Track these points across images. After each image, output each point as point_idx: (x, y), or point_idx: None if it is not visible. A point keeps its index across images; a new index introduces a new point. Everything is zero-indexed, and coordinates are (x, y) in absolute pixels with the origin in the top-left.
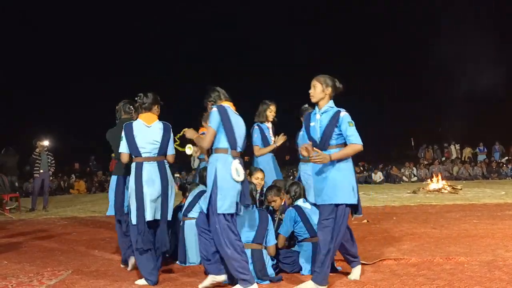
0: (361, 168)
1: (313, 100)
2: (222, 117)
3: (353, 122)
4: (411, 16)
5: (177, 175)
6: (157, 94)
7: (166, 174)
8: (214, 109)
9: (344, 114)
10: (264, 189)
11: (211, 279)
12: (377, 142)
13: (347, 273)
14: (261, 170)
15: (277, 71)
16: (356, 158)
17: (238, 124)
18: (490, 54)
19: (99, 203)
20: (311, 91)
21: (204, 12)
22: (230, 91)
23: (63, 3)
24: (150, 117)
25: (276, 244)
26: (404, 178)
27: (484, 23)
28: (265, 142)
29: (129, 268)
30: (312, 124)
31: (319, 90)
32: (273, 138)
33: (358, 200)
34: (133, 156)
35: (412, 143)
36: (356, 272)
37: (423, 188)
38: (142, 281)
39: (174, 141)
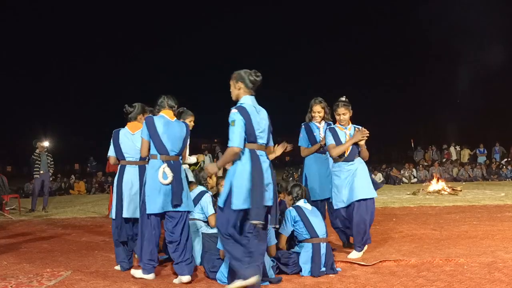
0: None
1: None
2: (148, 128)
3: (235, 121)
4: (412, 17)
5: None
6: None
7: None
8: (144, 121)
9: (231, 111)
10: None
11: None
12: (377, 143)
13: (347, 274)
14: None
15: None
16: None
17: (173, 129)
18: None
19: (98, 204)
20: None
21: None
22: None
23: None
24: (135, 125)
25: (277, 245)
26: (404, 179)
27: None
28: (312, 141)
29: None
30: None
31: (231, 87)
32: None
33: None
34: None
35: (412, 144)
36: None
37: (423, 190)
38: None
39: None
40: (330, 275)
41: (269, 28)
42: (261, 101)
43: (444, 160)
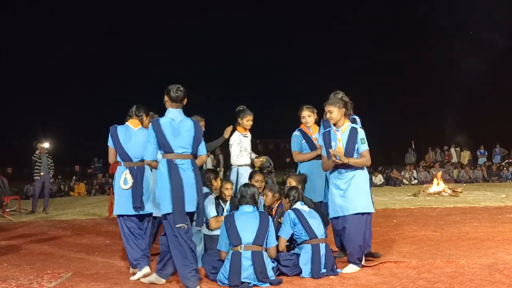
0: None
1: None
2: (111, 137)
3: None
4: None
5: None
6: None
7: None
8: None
9: None
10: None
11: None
12: (377, 145)
13: (348, 276)
14: (260, 173)
15: None
16: None
17: (136, 137)
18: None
19: (99, 205)
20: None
21: None
22: None
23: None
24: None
25: (277, 247)
26: (404, 181)
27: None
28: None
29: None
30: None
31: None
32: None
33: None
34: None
35: (413, 145)
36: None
37: (423, 191)
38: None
39: None
40: (331, 276)
41: (269, 27)
42: (263, 101)
43: (445, 160)
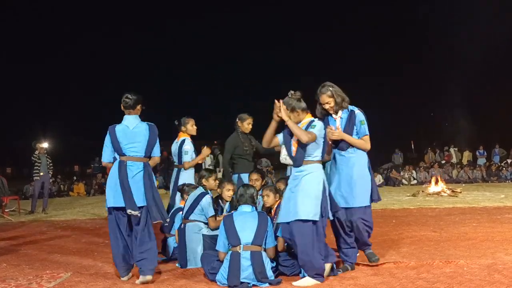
0: None
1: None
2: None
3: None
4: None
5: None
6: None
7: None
8: None
9: None
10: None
11: None
12: (377, 145)
13: (347, 276)
14: (257, 173)
15: None
16: None
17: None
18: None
19: (98, 205)
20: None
21: None
22: None
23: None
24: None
25: (276, 247)
26: (403, 181)
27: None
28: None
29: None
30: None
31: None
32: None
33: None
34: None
35: (413, 146)
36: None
37: (422, 191)
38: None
39: None
40: (330, 276)
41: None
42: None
43: (443, 162)
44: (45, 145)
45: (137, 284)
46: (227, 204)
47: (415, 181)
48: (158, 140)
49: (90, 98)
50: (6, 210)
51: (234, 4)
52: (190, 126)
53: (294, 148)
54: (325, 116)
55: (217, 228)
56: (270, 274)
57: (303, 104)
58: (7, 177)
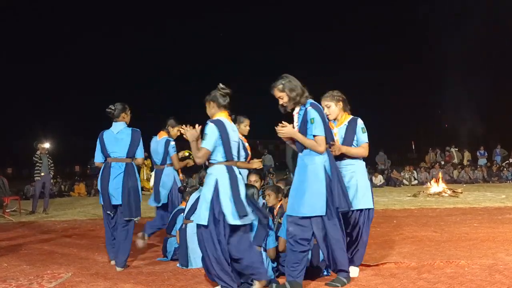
0: None
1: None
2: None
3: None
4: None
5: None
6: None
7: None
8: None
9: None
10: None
11: None
12: (377, 145)
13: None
14: (256, 174)
15: None
16: None
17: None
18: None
19: (99, 206)
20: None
21: None
22: None
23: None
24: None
25: (277, 247)
26: (404, 181)
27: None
28: None
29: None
30: None
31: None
32: None
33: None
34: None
35: (413, 146)
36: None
37: (423, 192)
38: None
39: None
40: (325, 277)
41: (270, 27)
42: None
43: (443, 163)
44: (46, 145)
45: (138, 283)
46: None
47: (415, 182)
48: (141, 144)
49: (90, 98)
50: (7, 210)
51: (234, 4)
52: (244, 126)
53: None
54: (287, 113)
55: None
56: (270, 274)
57: (223, 102)
58: (8, 177)
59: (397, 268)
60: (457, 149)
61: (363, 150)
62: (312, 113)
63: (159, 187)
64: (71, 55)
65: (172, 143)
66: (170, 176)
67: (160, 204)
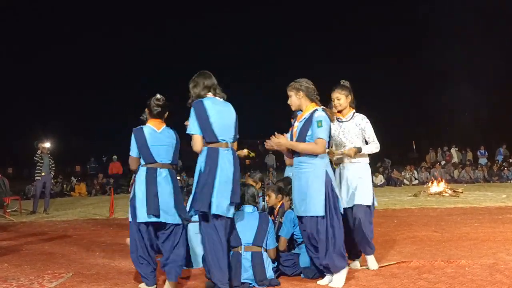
0: None
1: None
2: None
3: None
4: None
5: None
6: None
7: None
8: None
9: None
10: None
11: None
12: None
13: (349, 276)
14: (251, 178)
15: None
16: None
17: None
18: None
19: (100, 206)
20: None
21: None
22: None
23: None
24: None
25: (277, 247)
26: (405, 181)
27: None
28: None
29: None
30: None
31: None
32: None
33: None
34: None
35: (414, 146)
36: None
37: (424, 191)
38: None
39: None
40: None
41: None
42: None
43: (443, 162)
44: (47, 145)
45: (138, 283)
46: None
47: (416, 181)
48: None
49: (90, 98)
50: (7, 210)
51: (234, 4)
52: None
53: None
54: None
55: None
56: (270, 274)
57: (156, 112)
58: (8, 177)
59: (397, 268)
60: (457, 149)
61: (313, 146)
62: (321, 117)
63: None
64: (71, 55)
65: None
66: None
67: None
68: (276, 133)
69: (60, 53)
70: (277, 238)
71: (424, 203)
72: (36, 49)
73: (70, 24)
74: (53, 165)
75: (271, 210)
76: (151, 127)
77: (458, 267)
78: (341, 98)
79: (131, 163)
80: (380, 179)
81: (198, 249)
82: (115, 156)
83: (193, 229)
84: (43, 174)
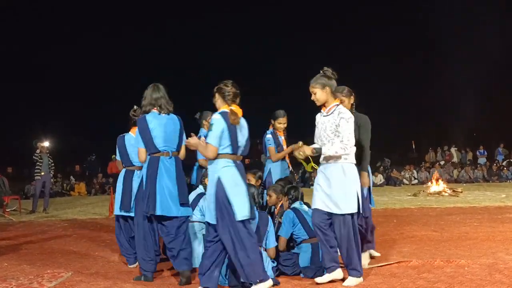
0: None
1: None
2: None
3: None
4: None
5: None
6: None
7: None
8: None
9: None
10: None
11: None
12: (378, 145)
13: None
14: (251, 173)
15: None
16: None
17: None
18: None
19: (99, 205)
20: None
21: None
22: None
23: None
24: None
25: (277, 247)
26: (404, 180)
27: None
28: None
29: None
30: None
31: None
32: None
33: None
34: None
35: (413, 145)
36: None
37: (423, 191)
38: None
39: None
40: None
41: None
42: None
43: (443, 162)
44: (46, 144)
45: (138, 283)
46: None
47: (416, 181)
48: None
49: (90, 98)
50: (7, 210)
51: (234, 4)
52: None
53: None
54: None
55: None
56: (270, 273)
57: (134, 122)
58: (8, 177)
59: (397, 268)
60: (456, 149)
61: (203, 149)
62: (213, 120)
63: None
64: (71, 55)
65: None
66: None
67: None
68: (191, 134)
69: (60, 53)
70: (277, 238)
71: (423, 203)
72: (36, 49)
73: (70, 24)
74: (53, 164)
75: (271, 209)
76: (131, 135)
77: (457, 266)
78: (316, 91)
79: (119, 166)
80: (380, 178)
81: (198, 248)
82: (114, 156)
83: (193, 229)
84: (42, 173)
